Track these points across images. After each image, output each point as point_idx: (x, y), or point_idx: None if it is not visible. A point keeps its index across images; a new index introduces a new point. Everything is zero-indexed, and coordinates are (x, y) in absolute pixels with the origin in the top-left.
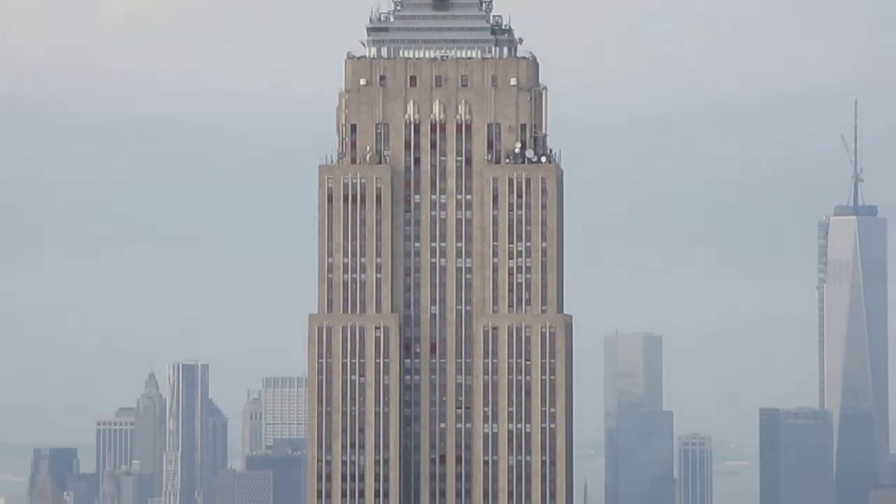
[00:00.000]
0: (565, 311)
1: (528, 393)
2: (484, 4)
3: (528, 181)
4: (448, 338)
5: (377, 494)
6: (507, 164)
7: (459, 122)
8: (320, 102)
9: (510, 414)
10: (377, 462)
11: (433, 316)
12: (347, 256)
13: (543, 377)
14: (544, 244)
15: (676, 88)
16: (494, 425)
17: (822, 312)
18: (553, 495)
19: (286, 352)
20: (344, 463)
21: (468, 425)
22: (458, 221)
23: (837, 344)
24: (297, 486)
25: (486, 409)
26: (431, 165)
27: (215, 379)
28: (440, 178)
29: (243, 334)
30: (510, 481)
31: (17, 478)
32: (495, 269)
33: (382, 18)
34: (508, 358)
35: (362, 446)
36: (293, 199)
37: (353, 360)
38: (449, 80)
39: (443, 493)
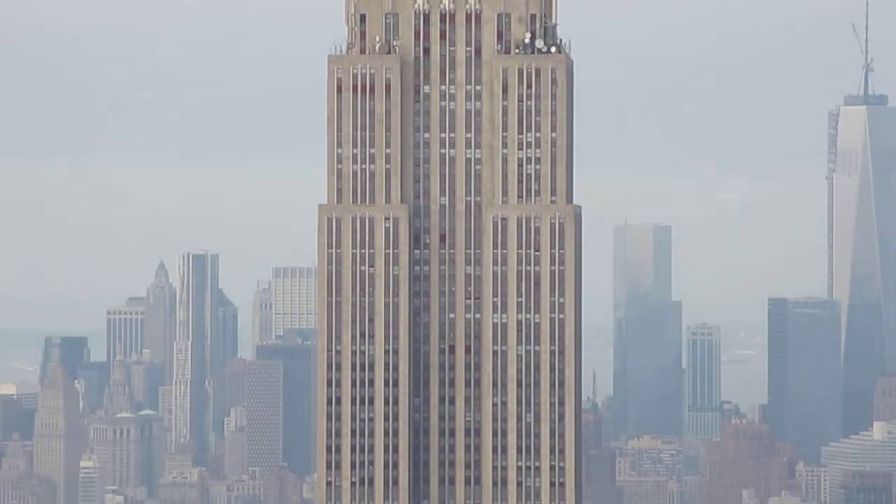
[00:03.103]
0: (575, 202)
1: (536, 283)
2: None
3: (537, 71)
4: (457, 229)
5: (386, 384)
6: (517, 54)
7: (469, 12)
8: None
9: (519, 304)
10: (387, 352)
11: (442, 207)
12: (357, 147)
13: (552, 268)
14: (554, 135)
15: None
16: (503, 315)
17: (832, 202)
18: (561, 385)
19: (296, 242)
20: (354, 353)
21: (477, 316)
22: (468, 112)
23: (846, 234)
24: (306, 375)
25: (494, 299)
26: (441, 56)
27: (225, 269)
28: (449, 68)
29: (253, 224)
30: (519, 371)
31: (29, 366)
32: (504, 160)
33: None
34: (517, 249)
35: (372, 336)
36: (303, 90)
37: (362, 251)
38: None
39: (452, 383)
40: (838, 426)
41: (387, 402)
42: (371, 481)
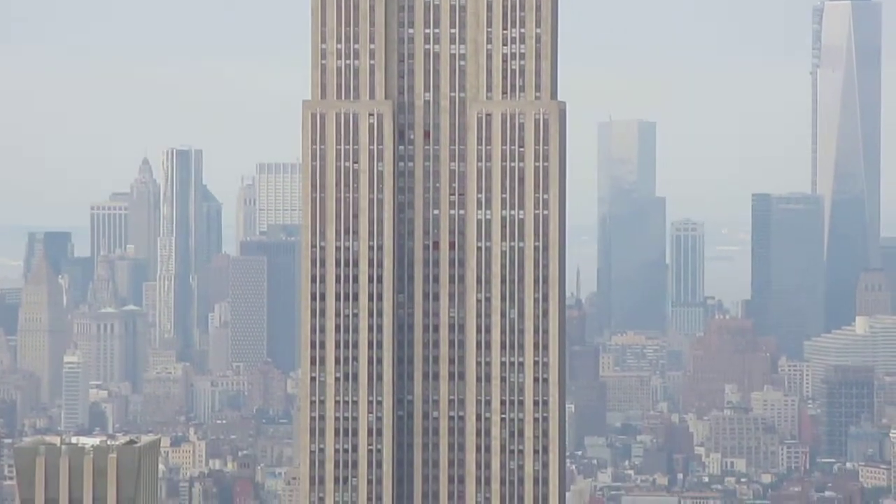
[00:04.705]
0: (559, 98)
1: (521, 179)
2: None
3: None
4: (442, 124)
5: (370, 280)
6: None
7: None
8: None
9: (503, 200)
10: (371, 248)
11: (427, 103)
12: (341, 42)
13: (537, 164)
14: (538, 30)
15: None
16: (488, 212)
17: (816, 98)
18: (545, 281)
19: (280, 138)
20: (338, 248)
21: (461, 212)
22: (452, 7)
23: (830, 129)
24: (290, 270)
25: (479, 195)
26: None
27: (209, 164)
28: None
29: (238, 120)
30: (503, 267)
31: (13, 261)
32: (489, 56)
33: None
34: (502, 145)
35: (356, 232)
36: None
37: (346, 147)
38: None
39: (436, 279)
40: (821, 321)
41: (371, 299)
42: (355, 377)
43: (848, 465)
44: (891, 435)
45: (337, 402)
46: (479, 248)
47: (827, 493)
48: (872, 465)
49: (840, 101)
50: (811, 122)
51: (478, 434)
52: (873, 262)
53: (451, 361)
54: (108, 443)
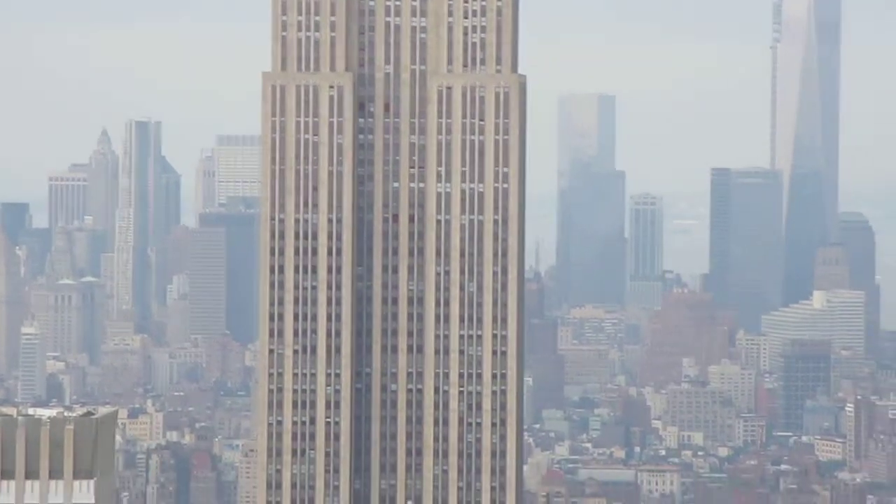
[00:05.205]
0: (520, 71)
1: (481, 153)
2: None
3: None
4: (402, 97)
5: (330, 253)
6: None
7: None
8: None
9: (463, 174)
10: (330, 221)
11: (387, 75)
12: (301, 14)
13: (497, 137)
14: (499, 3)
15: None
16: (448, 185)
17: (775, 73)
18: (505, 254)
19: (240, 110)
20: (297, 221)
21: (421, 185)
22: None
23: (789, 104)
24: (250, 243)
25: (439, 168)
26: None
27: (168, 136)
28: None
29: (197, 92)
30: (462, 240)
31: None
32: (450, 29)
33: None
34: (462, 118)
35: (316, 205)
36: None
37: (306, 119)
38: None
39: (395, 252)
40: (779, 295)
41: (330, 271)
42: (314, 349)
43: (804, 438)
44: (846, 408)
45: (295, 375)
46: (438, 222)
47: (783, 467)
48: (828, 438)
49: (799, 76)
50: (770, 96)
51: (436, 407)
52: (831, 236)
53: (410, 334)
54: (66, 414)
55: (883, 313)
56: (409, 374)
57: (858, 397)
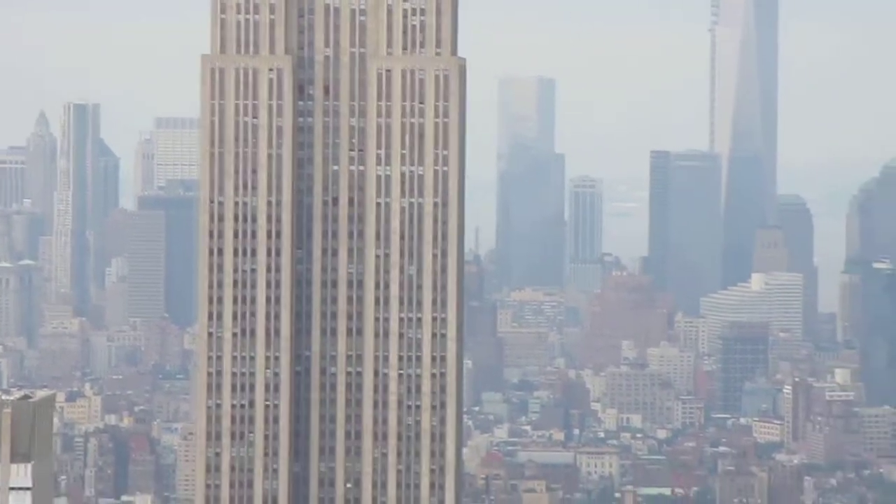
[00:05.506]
0: (459, 54)
1: (421, 136)
2: None
3: None
4: (342, 80)
5: (269, 235)
6: None
7: None
8: None
9: (403, 157)
10: (269, 203)
11: (327, 58)
12: None
13: (437, 120)
14: None
15: None
16: (387, 168)
17: (714, 55)
18: (445, 237)
19: (178, 92)
20: (237, 204)
21: (361, 168)
22: None
23: (728, 87)
24: (189, 226)
25: (379, 151)
26: None
27: (107, 119)
28: None
29: (136, 74)
30: (402, 223)
31: None
32: (389, 11)
33: None
34: (402, 101)
35: (255, 188)
36: None
37: (245, 102)
38: None
39: (335, 235)
40: (717, 278)
41: (269, 254)
42: (253, 332)
43: (742, 420)
44: (784, 390)
45: (234, 358)
46: (378, 204)
47: (721, 448)
48: (766, 420)
49: (738, 59)
50: (709, 79)
51: (375, 390)
52: (770, 219)
53: (350, 317)
54: (3, 398)
55: (820, 295)
56: (349, 357)
57: (796, 379)
